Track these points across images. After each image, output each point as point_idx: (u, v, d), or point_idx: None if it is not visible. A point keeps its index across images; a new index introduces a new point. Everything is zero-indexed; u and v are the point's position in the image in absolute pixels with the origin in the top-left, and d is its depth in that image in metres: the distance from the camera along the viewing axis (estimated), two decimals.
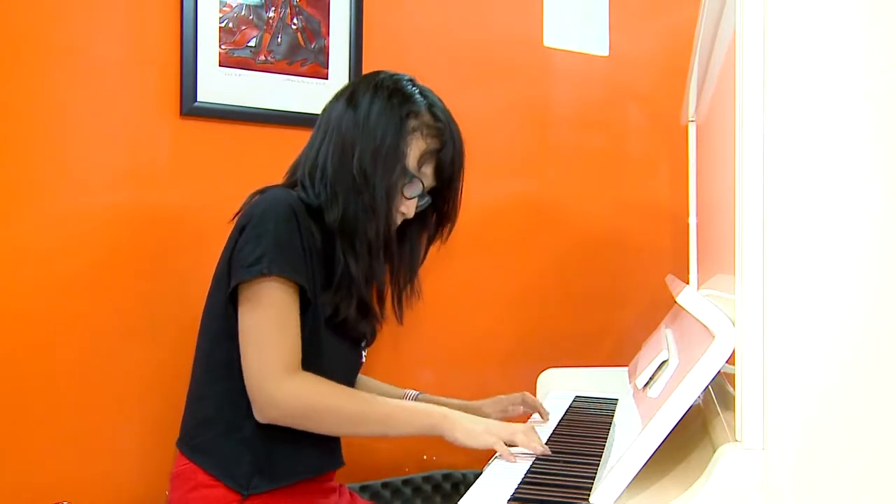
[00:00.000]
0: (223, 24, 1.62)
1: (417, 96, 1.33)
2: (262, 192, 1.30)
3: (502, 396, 1.53)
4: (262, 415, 1.20)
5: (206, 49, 1.60)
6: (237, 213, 1.28)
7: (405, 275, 1.42)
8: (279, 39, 1.69)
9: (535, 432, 1.22)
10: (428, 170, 1.33)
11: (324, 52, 1.74)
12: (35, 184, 1.47)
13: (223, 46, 1.62)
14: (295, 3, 1.70)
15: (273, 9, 1.68)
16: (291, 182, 1.33)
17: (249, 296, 1.20)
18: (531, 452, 1.18)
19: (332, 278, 1.27)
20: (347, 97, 1.33)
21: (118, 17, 1.54)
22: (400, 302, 1.41)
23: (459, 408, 1.50)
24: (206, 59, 1.60)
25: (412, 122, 1.30)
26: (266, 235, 1.19)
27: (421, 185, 1.32)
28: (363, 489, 1.74)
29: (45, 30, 1.47)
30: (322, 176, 1.29)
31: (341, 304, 1.27)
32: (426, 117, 1.32)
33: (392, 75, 1.35)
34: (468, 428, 1.20)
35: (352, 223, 1.27)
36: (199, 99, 1.60)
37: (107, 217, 1.53)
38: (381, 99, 1.30)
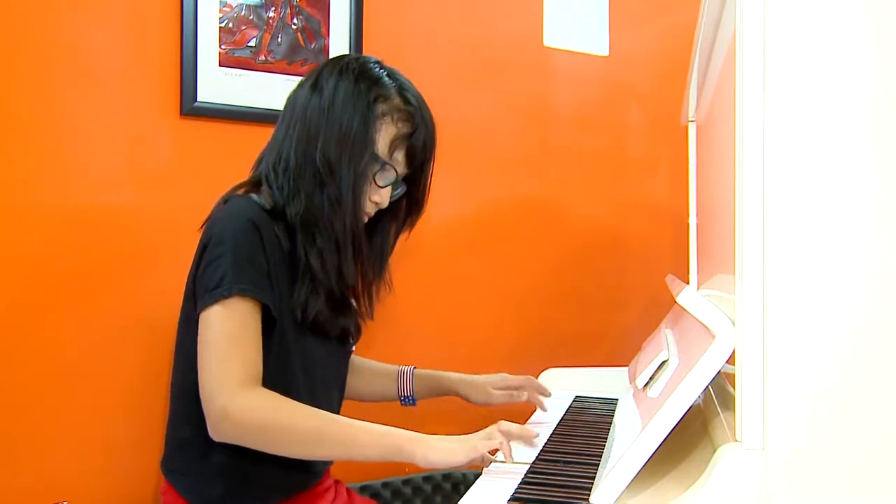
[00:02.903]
0: (223, 24, 1.62)
1: (386, 79, 1.26)
2: (226, 199, 1.25)
3: (508, 375, 1.48)
4: (214, 431, 1.13)
5: (206, 49, 1.60)
6: (205, 222, 1.24)
7: (375, 267, 1.35)
8: (279, 39, 1.69)
9: (509, 424, 1.15)
10: (399, 156, 1.27)
11: (324, 52, 1.74)
12: (35, 183, 1.47)
13: (223, 46, 1.62)
14: (295, 3, 1.71)
15: (273, 9, 1.68)
16: (256, 178, 1.28)
17: (209, 312, 1.15)
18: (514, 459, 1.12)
19: (297, 275, 1.22)
20: (312, 82, 1.27)
21: (118, 17, 1.54)
22: (370, 296, 1.35)
23: (462, 382, 1.49)
24: (206, 59, 1.60)
25: (381, 107, 1.24)
26: (225, 256, 1.15)
27: (394, 173, 1.26)
28: (363, 489, 1.74)
29: (45, 30, 1.47)
30: (285, 168, 1.23)
31: (308, 300, 1.22)
32: (396, 101, 1.26)
33: (358, 58, 1.30)
34: (444, 447, 1.09)
35: (315, 217, 1.21)
36: (199, 99, 1.60)
37: (106, 217, 1.53)
38: (347, 83, 1.24)
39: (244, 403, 1.11)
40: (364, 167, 1.22)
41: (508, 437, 1.14)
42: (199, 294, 1.17)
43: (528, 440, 1.15)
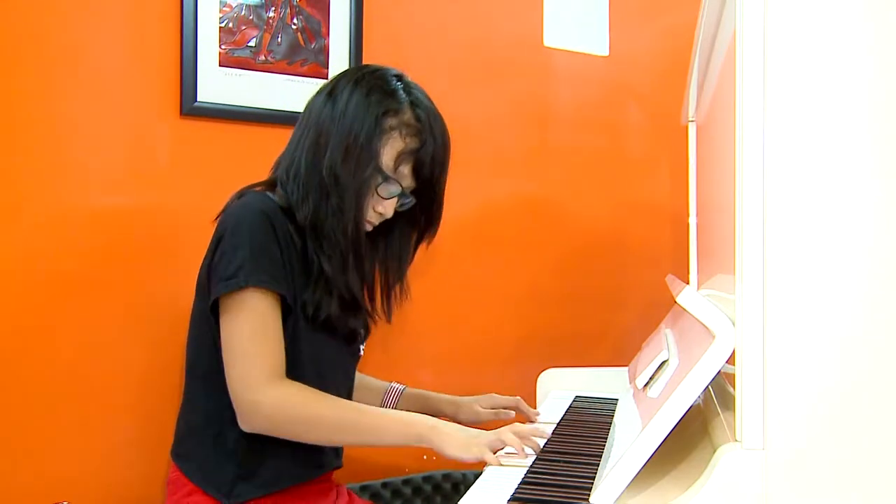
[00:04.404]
0: (223, 24, 1.62)
1: (400, 93, 1.28)
2: (240, 195, 1.28)
3: (497, 395, 1.51)
4: (246, 424, 1.19)
5: (206, 49, 1.60)
6: (219, 215, 1.27)
7: (394, 274, 1.38)
8: (279, 39, 1.69)
9: (523, 427, 1.20)
10: (406, 170, 1.28)
11: (324, 52, 1.74)
12: (35, 183, 1.47)
13: (223, 46, 1.62)
14: (295, 3, 1.70)
15: (273, 9, 1.68)
16: (272, 180, 1.31)
17: (229, 307, 1.19)
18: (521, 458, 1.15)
19: (310, 276, 1.25)
20: (329, 90, 1.29)
21: (118, 17, 1.54)
22: (388, 301, 1.38)
23: (450, 403, 1.50)
24: (206, 59, 1.60)
25: (390, 121, 1.26)
26: (242, 246, 1.18)
27: (398, 186, 1.28)
28: (363, 489, 1.74)
29: (45, 30, 1.47)
30: (296, 174, 1.26)
31: (321, 301, 1.25)
32: (406, 115, 1.27)
33: (377, 69, 1.31)
34: (460, 440, 1.16)
35: (321, 223, 1.24)
36: (199, 99, 1.60)
37: (106, 217, 1.53)
38: (360, 94, 1.26)
39: (274, 398, 1.17)
40: (367, 179, 1.24)
41: (521, 438, 1.18)
42: (214, 282, 1.20)
43: (537, 438, 1.19)
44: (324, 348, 1.29)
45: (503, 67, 1.99)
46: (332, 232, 1.24)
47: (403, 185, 1.29)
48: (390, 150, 1.26)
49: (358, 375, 1.52)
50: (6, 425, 1.44)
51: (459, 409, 1.50)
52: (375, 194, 1.27)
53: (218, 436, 1.24)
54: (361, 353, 1.41)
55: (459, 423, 1.46)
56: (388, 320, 1.40)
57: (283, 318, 1.22)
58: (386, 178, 1.26)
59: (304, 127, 1.29)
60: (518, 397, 1.52)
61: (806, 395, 0.86)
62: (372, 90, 1.27)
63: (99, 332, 1.52)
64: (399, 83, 1.29)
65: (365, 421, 1.20)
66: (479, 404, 1.50)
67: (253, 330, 1.18)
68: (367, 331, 1.40)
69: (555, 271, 2.06)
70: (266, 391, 1.17)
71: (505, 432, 1.18)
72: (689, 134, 1.73)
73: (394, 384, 1.54)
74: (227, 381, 1.19)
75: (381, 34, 1.80)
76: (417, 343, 1.88)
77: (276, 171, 1.32)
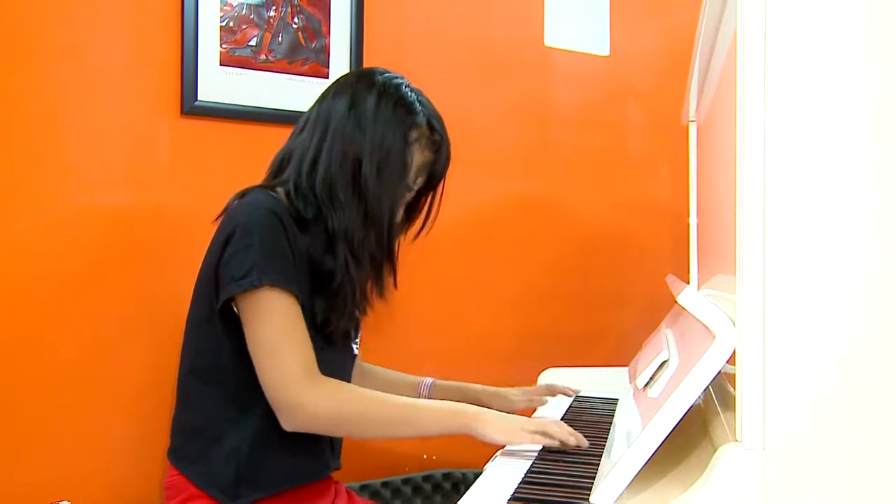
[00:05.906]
0: (224, 23, 1.62)
1: (417, 106, 1.30)
2: (241, 195, 1.27)
3: (529, 388, 1.54)
4: (289, 422, 1.18)
5: (206, 48, 1.60)
6: (219, 215, 1.27)
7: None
8: (280, 39, 1.69)
9: (565, 426, 1.21)
10: (421, 180, 1.34)
11: (325, 51, 1.74)
12: (35, 183, 1.47)
13: (224, 45, 1.62)
14: (296, 2, 1.70)
15: (274, 8, 1.68)
16: (275, 182, 1.29)
17: (252, 308, 1.18)
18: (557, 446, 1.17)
19: (323, 285, 1.25)
20: (350, 100, 1.28)
21: (118, 16, 1.54)
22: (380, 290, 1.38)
23: (480, 392, 1.52)
24: (206, 58, 1.60)
25: (413, 134, 1.29)
26: (254, 245, 1.17)
27: (413, 194, 1.34)
28: (363, 488, 1.74)
29: (45, 30, 1.47)
30: (322, 183, 1.26)
31: (333, 314, 1.26)
32: (425, 129, 1.31)
33: (392, 79, 1.32)
34: (503, 426, 1.18)
35: (352, 234, 1.25)
36: (199, 98, 1.60)
37: (106, 216, 1.53)
38: (387, 108, 1.28)
39: (317, 396, 1.18)
40: (401, 191, 1.29)
41: (561, 437, 1.18)
42: (224, 282, 1.19)
43: (579, 443, 1.19)
44: (323, 349, 1.28)
45: (503, 67, 1.99)
46: (364, 242, 1.26)
47: (415, 191, 1.35)
48: (415, 164, 1.30)
49: (382, 370, 1.55)
50: (6, 425, 1.44)
51: (494, 396, 1.52)
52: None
53: (219, 437, 1.24)
54: (356, 351, 1.42)
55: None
56: (382, 295, 1.38)
57: None
58: (409, 189, 1.32)
59: (322, 132, 1.28)
60: (549, 384, 1.55)
61: (806, 395, 0.86)
62: (397, 104, 1.28)
63: (98, 331, 1.52)
64: (412, 93, 1.32)
65: (410, 414, 1.21)
66: (511, 395, 1.52)
67: (279, 329, 1.18)
68: (358, 329, 1.41)
69: (555, 271, 2.06)
70: (306, 389, 1.17)
71: (550, 424, 1.19)
72: (690, 134, 1.73)
73: (424, 378, 1.54)
74: (261, 382, 1.18)
75: (381, 34, 1.80)
76: (417, 342, 1.88)
77: (280, 172, 1.31)
